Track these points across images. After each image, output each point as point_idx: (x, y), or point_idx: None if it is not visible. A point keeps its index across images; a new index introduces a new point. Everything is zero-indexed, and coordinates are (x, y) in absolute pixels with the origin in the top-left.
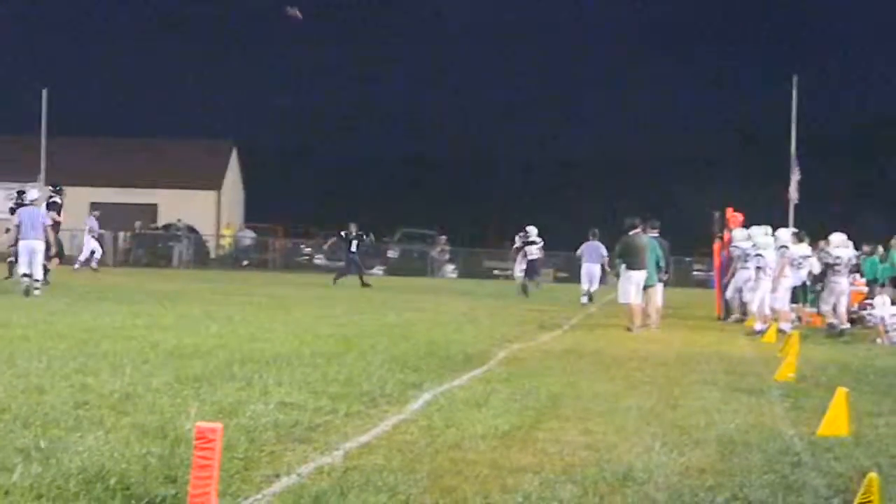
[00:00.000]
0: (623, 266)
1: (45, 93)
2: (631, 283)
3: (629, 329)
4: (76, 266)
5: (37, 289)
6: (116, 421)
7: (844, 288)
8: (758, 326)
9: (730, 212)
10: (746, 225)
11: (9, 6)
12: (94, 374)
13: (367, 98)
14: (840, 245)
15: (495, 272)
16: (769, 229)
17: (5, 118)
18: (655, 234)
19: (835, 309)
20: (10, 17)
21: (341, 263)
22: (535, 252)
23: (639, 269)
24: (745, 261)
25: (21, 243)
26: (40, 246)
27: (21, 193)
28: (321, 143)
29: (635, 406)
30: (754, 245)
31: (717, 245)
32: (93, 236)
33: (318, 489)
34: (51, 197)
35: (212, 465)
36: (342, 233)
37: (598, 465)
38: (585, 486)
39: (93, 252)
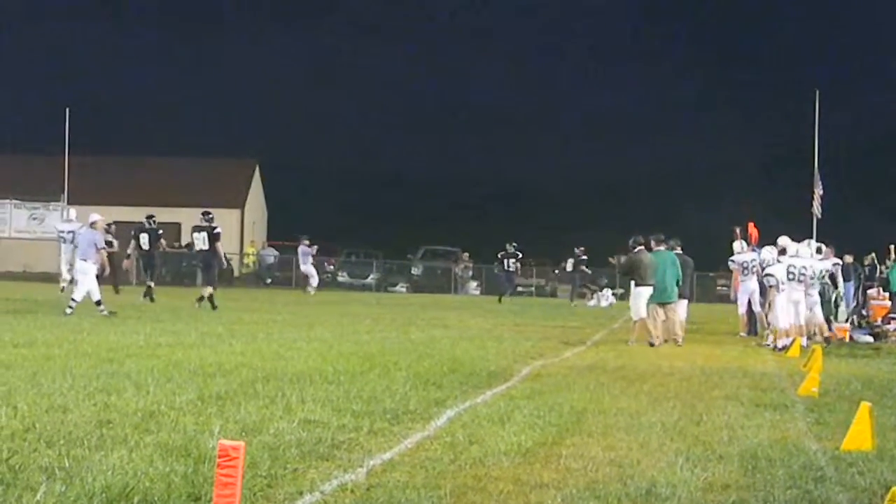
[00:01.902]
0: (632, 283)
1: (67, 112)
2: (640, 299)
3: (651, 343)
4: (311, 292)
5: (70, 307)
6: (140, 439)
7: (816, 300)
8: (780, 343)
9: (751, 226)
10: (762, 240)
11: (31, 26)
12: (117, 393)
13: (390, 115)
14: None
15: (519, 289)
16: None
17: (29, 137)
18: (679, 251)
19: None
20: (32, 37)
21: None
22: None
23: (646, 285)
24: (745, 274)
25: (77, 263)
26: (90, 268)
27: (206, 214)
28: (344, 161)
29: (659, 421)
30: (757, 261)
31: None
32: (308, 263)
33: None
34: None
35: (235, 483)
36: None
37: (622, 480)
38: (609, 502)
39: (307, 276)
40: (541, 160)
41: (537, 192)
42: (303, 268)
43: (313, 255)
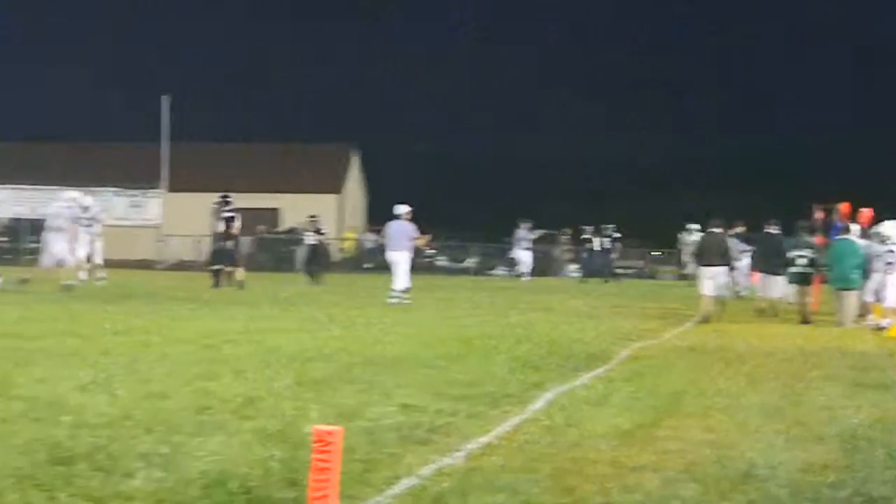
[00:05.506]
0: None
1: (166, 100)
2: (704, 278)
3: (705, 321)
4: (524, 278)
5: (396, 297)
6: (238, 425)
7: None
8: (884, 322)
9: (844, 207)
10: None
11: (129, 13)
12: (215, 379)
13: (490, 102)
14: None
15: (618, 271)
16: None
17: (129, 126)
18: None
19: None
20: (131, 24)
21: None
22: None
23: (707, 265)
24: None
25: (386, 254)
26: (399, 257)
27: (226, 200)
28: (443, 147)
29: (757, 403)
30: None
31: (817, 240)
32: (524, 248)
33: (439, 490)
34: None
35: (330, 468)
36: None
37: (720, 462)
38: (707, 484)
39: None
40: (640, 140)
41: (640, 171)
42: (515, 251)
43: (531, 241)
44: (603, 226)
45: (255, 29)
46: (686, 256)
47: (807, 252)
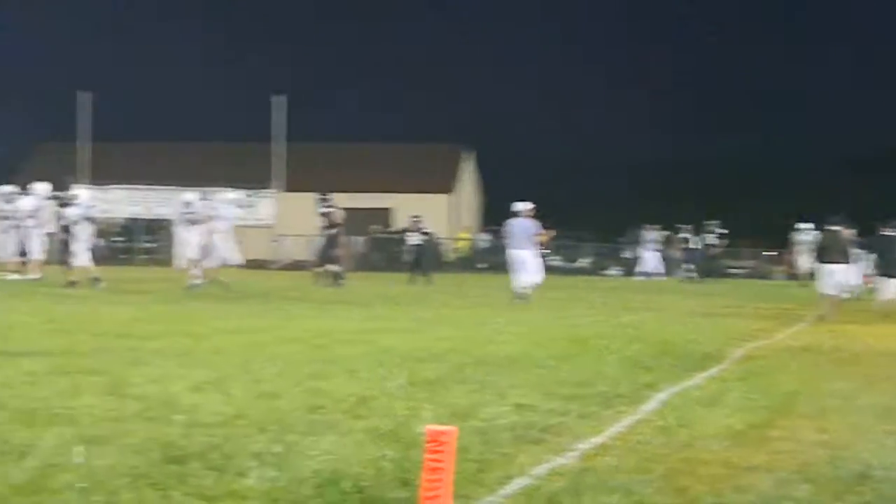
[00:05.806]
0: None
1: (278, 100)
2: (824, 276)
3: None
4: (646, 278)
5: (524, 289)
6: (351, 425)
7: None
8: None
9: None
10: None
11: (244, 13)
12: (328, 379)
13: (604, 100)
14: None
15: (733, 271)
16: None
17: (244, 126)
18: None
19: None
20: (245, 25)
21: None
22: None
23: (826, 263)
24: None
25: (511, 252)
26: (522, 255)
27: (324, 198)
28: (562, 147)
29: (872, 403)
30: None
31: None
32: (651, 249)
33: (552, 490)
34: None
35: (443, 468)
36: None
37: (833, 463)
38: (820, 485)
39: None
40: (758, 139)
41: (751, 171)
42: (641, 251)
43: (659, 242)
44: (707, 223)
45: (370, 28)
46: (798, 256)
47: None
